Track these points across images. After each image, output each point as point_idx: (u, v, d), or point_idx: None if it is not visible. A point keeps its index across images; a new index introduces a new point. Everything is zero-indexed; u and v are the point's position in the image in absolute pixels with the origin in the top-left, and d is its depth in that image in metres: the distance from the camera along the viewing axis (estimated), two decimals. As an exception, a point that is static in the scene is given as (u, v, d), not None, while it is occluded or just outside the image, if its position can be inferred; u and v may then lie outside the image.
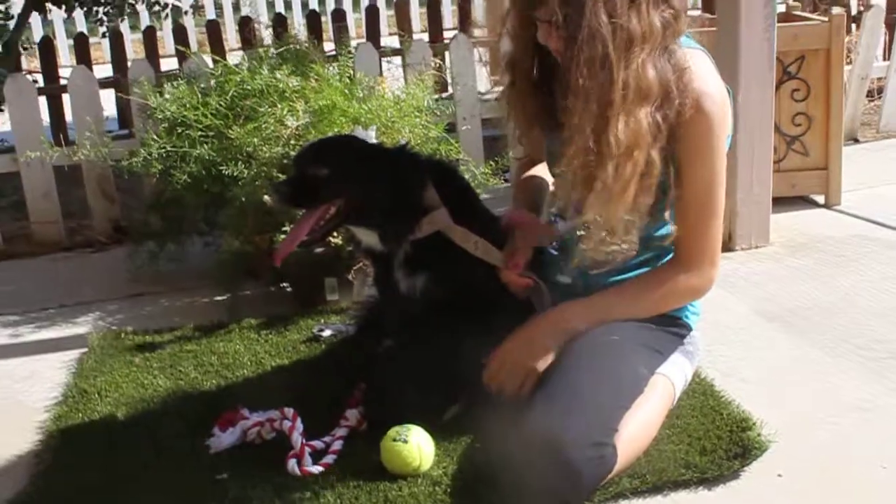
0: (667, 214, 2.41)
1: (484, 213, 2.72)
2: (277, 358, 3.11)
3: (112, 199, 4.65)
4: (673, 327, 2.56)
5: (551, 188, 2.74)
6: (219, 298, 3.70)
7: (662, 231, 2.44)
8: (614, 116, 2.16)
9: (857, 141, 5.40)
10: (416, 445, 2.32)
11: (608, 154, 2.18)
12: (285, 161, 3.41)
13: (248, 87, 3.59)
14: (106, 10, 6.52)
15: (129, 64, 6.77)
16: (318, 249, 3.34)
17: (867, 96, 5.70)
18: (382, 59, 5.11)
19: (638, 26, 2.16)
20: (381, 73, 4.76)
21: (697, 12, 6.62)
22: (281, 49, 3.79)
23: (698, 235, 2.39)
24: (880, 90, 5.89)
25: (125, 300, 3.83)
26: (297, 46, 3.84)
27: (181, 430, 2.66)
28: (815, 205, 4.40)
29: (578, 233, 2.38)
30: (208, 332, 3.36)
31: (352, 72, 3.92)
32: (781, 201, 4.04)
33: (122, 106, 6.67)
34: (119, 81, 6.06)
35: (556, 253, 2.65)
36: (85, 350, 3.31)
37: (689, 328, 2.61)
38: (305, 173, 2.56)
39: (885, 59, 5.96)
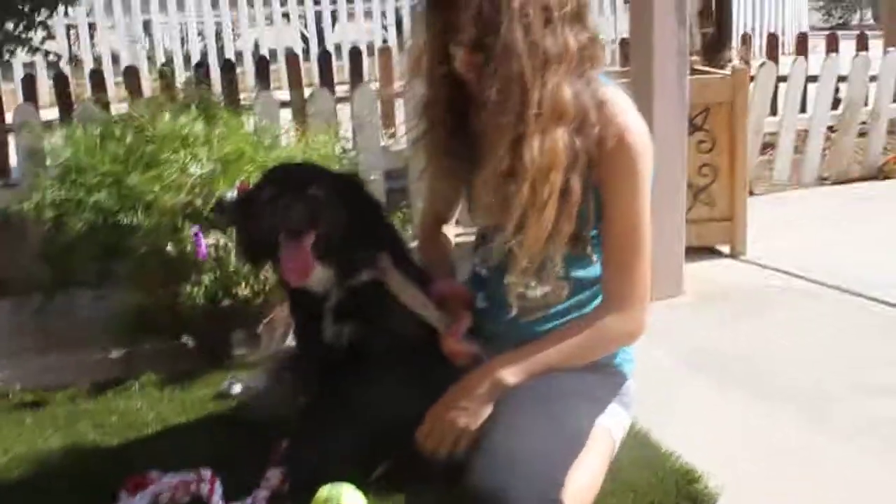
0: (594, 257, 2.35)
1: (414, 265, 2.59)
2: (184, 416, 2.92)
3: (-7, 250, 4.37)
4: (610, 376, 2.47)
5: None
6: (115, 354, 3.49)
7: (590, 273, 2.39)
8: (529, 135, 2.11)
9: (752, 193, 5.49)
10: (349, 508, 2.16)
11: (523, 174, 2.12)
12: (188, 211, 3.24)
13: (149, 133, 3.41)
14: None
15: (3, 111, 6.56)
16: (226, 302, 3.19)
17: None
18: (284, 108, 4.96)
19: (554, 46, 2.12)
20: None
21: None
22: (185, 94, 3.63)
23: (625, 276, 2.33)
24: (772, 145, 6.04)
25: (10, 357, 3.57)
26: (202, 93, 3.68)
27: (81, 498, 2.43)
28: (722, 255, 4.44)
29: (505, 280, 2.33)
30: (105, 390, 3.14)
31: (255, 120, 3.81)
32: (690, 251, 4.04)
33: (-1, 154, 6.40)
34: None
35: (484, 305, 2.55)
36: (-32, 410, 3.04)
37: (624, 377, 2.53)
38: (305, 196, 2.34)
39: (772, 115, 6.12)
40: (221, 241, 3.13)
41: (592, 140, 2.18)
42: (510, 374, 2.30)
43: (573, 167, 2.16)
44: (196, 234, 3.09)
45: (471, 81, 2.23)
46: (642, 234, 2.33)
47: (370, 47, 10.94)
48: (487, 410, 2.27)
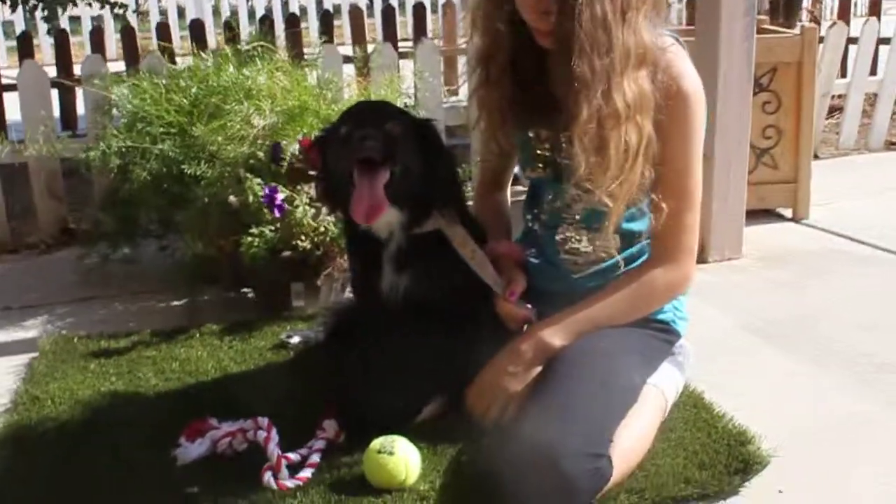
0: (645, 208, 2.35)
1: (474, 221, 2.58)
2: (243, 365, 2.96)
3: (60, 199, 4.46)
4: (662, 333, 2.48)
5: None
6: (176, 303, 3.54)
7: (641, 226, 2.39)
8: (617, 79, 2.13)
9: (817, 157, 5.39)
10: (402, 458, 2.19)
11: (616, 119, 2.14)
12: (251, 161, 3.28)
13: (214, 84, 3.45)
14: (49, 4, 6.26)
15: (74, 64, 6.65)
16: (286, 254, 3.22)
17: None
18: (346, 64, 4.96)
19: None
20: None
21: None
22: (250, 45, 3.64)
23: (675, 226, 2.31)
24: (839, 108, 5.93)
25: (75, 304, 3.64)
26: (266, 45, 3.69)
27: (144, 441, 2.48)
28: (783, 218, 4.39)
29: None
30: (167, 338, 3.18)
31: (318, 73, 3.82)
32: (750, 214, 3.98)
33: (66, 106, 6.50)
34: (63, 80, 5.89)
35: (537, 261, 2.55)
36: (35, 355, 3.11)
37: (677, 335, 2.53)
38: (382, 130, 2.33)
39: (842, 77, 5.99)
40: (288, 196, 3.15)
41: (658, 86, 2.20)
42: (557, 337, 2.32)
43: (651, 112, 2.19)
44: (272, 191, 3.10)
45: (540, 28, 2.24)
46: (692, 183, 2.32)
47: (434, 3, 10.91)
48: (534, 373, 2.29)
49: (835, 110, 6.03)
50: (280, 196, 3.12)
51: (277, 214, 3.11)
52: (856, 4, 9.59)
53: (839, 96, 5.82)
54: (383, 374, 2.41)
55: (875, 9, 7.24)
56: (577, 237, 2.43)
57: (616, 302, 2.36)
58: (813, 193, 4.39)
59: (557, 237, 2.46)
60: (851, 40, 5.81)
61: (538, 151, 2.45)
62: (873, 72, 5.89)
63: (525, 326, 2.41)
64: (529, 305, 2.41)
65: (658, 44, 2.22)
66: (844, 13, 7.14)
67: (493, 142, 2.56)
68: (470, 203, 2.70)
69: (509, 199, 2.76)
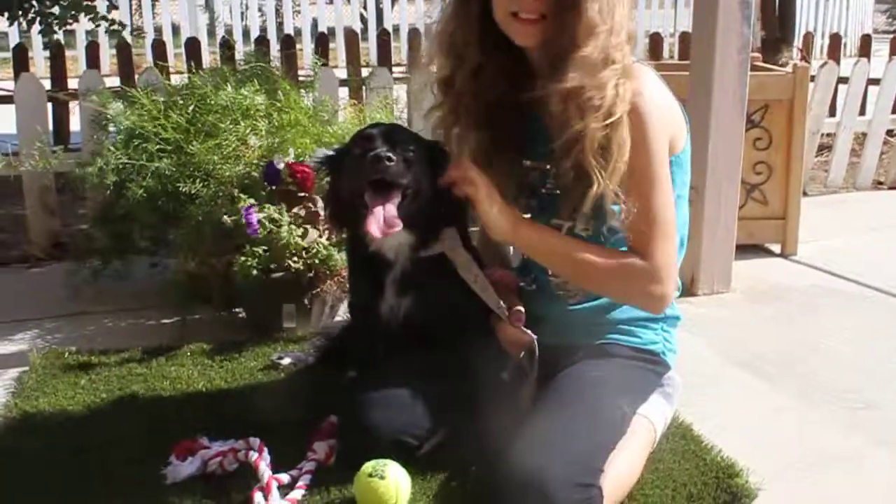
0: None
1: (474, 247, 2.60)
2: (234, 385, 2.96)
3: (53, 213, 4.46)
4: (651, 365, 2.49)
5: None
6: (167, 321, 3.54)
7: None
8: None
9: (806, 194, 5.44)
10: (393, 482, 2.19)
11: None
12: (245, 181, 3.30)
13: (211, 103, 3.46)
14: (46, 18, 6.27)
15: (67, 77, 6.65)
16: (277, 274, 3.23)
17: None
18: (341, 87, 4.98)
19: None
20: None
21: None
22: (247, 66, 3.67)
23: (647, 251, 2.27)
24: (827, 147, 5.99)
25: (65, 319, 3.64)
26: (264, 66, 3.72)
27: (133, 458, 2.47)
28: (772, 254, 4.43)
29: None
30: (158, 355, 3.18)
31: (314, 94, 3.84)
32: (739, 249, 4.02)
33: (59, 120, 6.50)
34: (56, 94, 5.90)
35: (531, 288, 2.57)
36: (25, 369, 3.11)
37: (667, 366, 2.54)
38: (398, 153, 2.33)
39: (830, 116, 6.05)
40: (275, 214, 3.16)
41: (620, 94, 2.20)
42: (515, 224, 2.33)
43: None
44: (247, 210, 3.13)
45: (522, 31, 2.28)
46: (662, 217, 2.27)
47: (429, 30, 10.95)
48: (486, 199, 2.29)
49: (824, 148, 6.09)
50: (255, 216, 3.13)
51: (250, 232, 3.12)
52: (845, 45, 9.69)
53: (828, 135, 5.88)
54: (386, 401, 2.39)
55: (865, 49, 7.33)
56: None
57: (587, 258, 2.31)
58: (801, 230, 4.43)
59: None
60: (841, 80, 5.88)
61: (523, 189, 2.49)
62: (862, 111, 5.96)
63: (522, 353, 2.41)
64: (531, 332, 2.41)
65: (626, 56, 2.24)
66: (834, 53, 7.22)
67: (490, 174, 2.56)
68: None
69: None
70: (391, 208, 2.30)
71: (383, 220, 2.29)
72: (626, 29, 2.25)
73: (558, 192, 2.35)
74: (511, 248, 2.74)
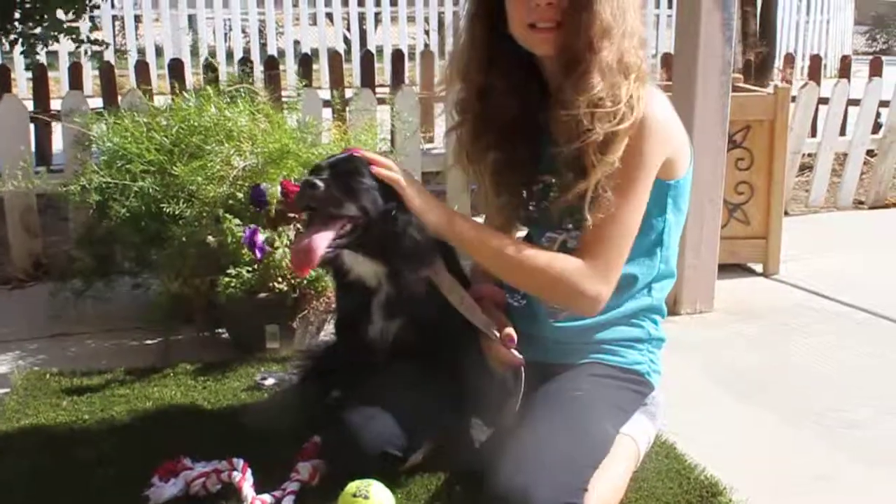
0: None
1: (461, 269, 2.60)
2: (217, 406, 2.95)
3: (35, 234, 4.44)
4: (635, 385, 2.50)
5: None
6: (150, 342, 3.53)
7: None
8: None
9: (787, 214, 5.48)
10: (377, 502, 2.19)
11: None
12: (230, 202, 3.29)
13: (195, 124, 3.47)
14: (28, 39, 6.25)
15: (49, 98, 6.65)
16: (262, 294, 3.23)
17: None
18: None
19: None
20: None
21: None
22: (231, 87, 3.67)
23: (599, 246, 2.29)
24: (808, 167, 6.04)
25: (48, 340, 3.62)
26: (248, 87, 3.72)
27: (116, 479, 2.46)
28: (754, 273, 4.45)
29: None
30: (141, 377, 3.17)
31: (298, 116, 3.85)
32: (721, 268, 4.03)
33: (41, 141, 6.49)
34: (39, 115, 5.90)
35: (519, 305, 2.58)
36: (6, 391, 3.09)
37: (650, 386, 2.55)
38: (343, 180, 2.33)
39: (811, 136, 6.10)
40: (269, 237, 3.16)
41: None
42: (450, 217, 2.34)
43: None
44: (252, 232, 3.12)
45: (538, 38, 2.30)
46: (626, 221, 2.29)
47: (411, 52, 11.00)
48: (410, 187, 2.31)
49: (805, 168, 6.14)
50: (261, 237, 3.14)
51: (259, 256, 3.13)
52: (825, 66, 9.77)
53: (809, 155, 5.93)
54: (370, 418, 2.37)
55: (845, 70, 7.39)
56: None
57: (524, 252, 2.34)
58: (783, 249, 4.46)
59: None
60: (822, 100, 5.93)
61: (527, 207, 2.51)
62: (842, 132, 6.01)
63: (508, 373, 2.42)
64: (519, 354, 2.41)
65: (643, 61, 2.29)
66: (815, 74, 7.28)
67: (493, 200, 2.56)
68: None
69: None
70: (319, 238, 2.27)
71: (301, 253, 2.27)
72: (638, 33, 2.29)
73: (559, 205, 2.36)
74: None
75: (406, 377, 2.43)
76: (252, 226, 3.15)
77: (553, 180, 2.40)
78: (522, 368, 2.38)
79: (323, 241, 2.27)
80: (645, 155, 2.28)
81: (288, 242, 3.16)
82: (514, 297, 2.59)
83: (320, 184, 2.28)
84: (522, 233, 2.65)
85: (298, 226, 3.25)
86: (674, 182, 2.40)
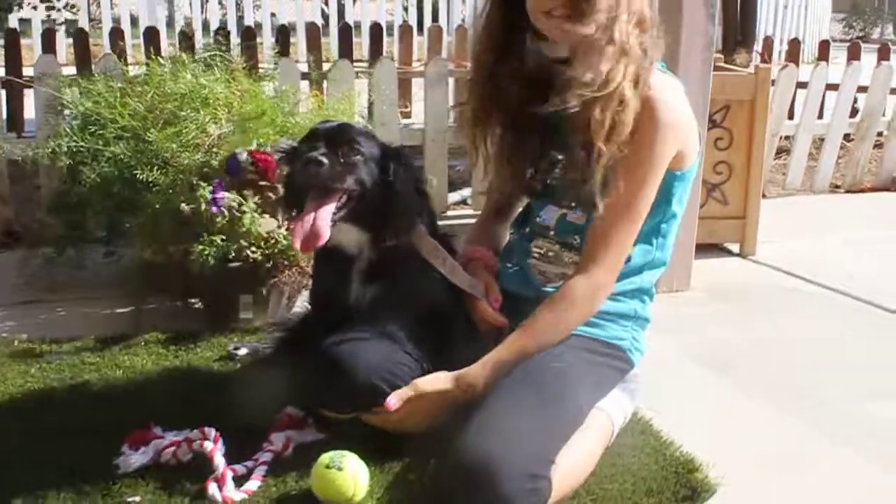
0: None
1: (442, 235, 2.59)
2: (189, 375, 2.92)
3: (5, 200, 4.37)
4: (616, 361, 2.49)
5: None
6: (121, 310, 3.47)
7: None
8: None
9: (764, 196, 5.47)
10: (351, 473, 2.17)
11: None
12: (205, 169, 3.24)
13: (170, 91, 3.41)
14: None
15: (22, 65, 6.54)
16: (235, 264, 3.18)
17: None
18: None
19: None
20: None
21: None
22: (207, 53, 3.61)
23: (605, 235, 2.33)
24: (785, 150, 6.04)
25: (17, 307, 3.57)
26: (223, 55, 3.66)
27: (84, 448, 2.42)
28: (731, 253, 4.45)
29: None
30: (111, 345, 3.13)
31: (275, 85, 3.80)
32: (698, 248, 4.02)
33: (13, 108, 6.39)
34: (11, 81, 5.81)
35: (511, 270, 2.58)
36: (-27, 357, 3.04)
37: (631, 364, 2.54)
38: (343, 153, 2.34)
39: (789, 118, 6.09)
40: (235, 202, 3.11)
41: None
42: (482, 380, 2.29)
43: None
44: (217, 185, 3.07)
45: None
46: (638, 201, 2.33)
47: (389, 27, 10.92)
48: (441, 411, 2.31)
49: (781, 152, 6.14)
50: (222, 193, 3.08)
51: (215, 210, 3.07)
52: (802, 51, 9.77)
53: (786, 138, 5.93)
54: (364, 347, 2.34)
55: (823, 53, 7.40)
56: (550, 248, 2.49)
57: (540, 325, 2.35)
58: (760, 231, 4.45)
59: (532, 247, 2.52)
60: (799, 84, 5.93)
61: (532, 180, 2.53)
62: (819, 116, 6.01)
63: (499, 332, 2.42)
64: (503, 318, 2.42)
65: (646, 56, 2.29)
66: (793, 57, 7.28)
67: (498, 176, 2.58)
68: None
69: (507, 231, 2.78)
70: (322, 215, 2.29)
71: (308, 231, 2.28)
72: (641, 15, 2.30)
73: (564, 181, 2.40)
74: (505, 237, 2.75)
75: (386, 328, 2.40)
76: (217, 178, 3.10)
77: (560, 157, 2.42)
78: (505, 331, 2.37)
79: (327, 216, 2.29)
80: (657, 146, 2.30)
81: (255, 207, 3.11)
82: (508, 263, 2.59)
83: (325, 160, 2.28)
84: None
85: (270, 194, 3.20)
86: (680, 173, 2.42)
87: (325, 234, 2.29)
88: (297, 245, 2.30)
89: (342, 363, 2.28)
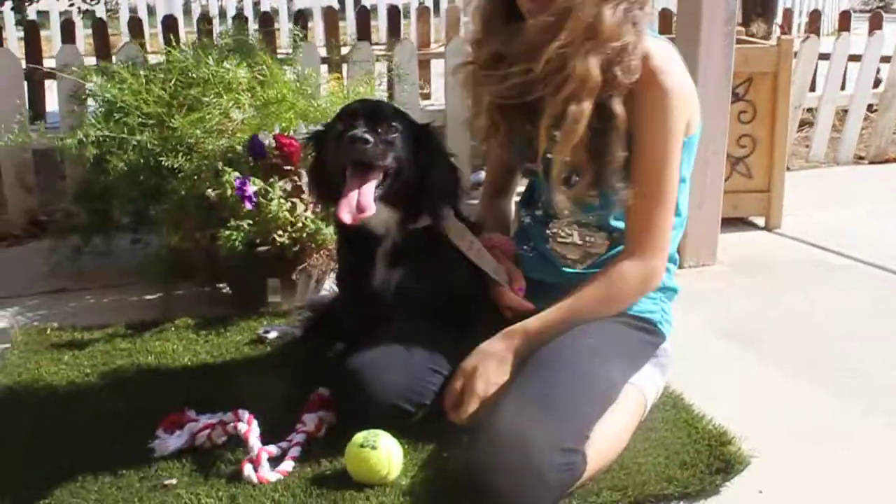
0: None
1: (468, 218, 2.59)
2: (220, 359, 2.93)
3: (30, 190, 4.40)
4: (648, 334, 2.49)
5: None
6: (149, 297, 3.50)
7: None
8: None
9: (788, 169, 5.43)
10: (385, 452, 2.18)
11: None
12: (229, 154, 3.25)
13: (193, 76, 3.42)
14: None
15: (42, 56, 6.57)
16: (263, 248, 3.19)
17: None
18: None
19: None
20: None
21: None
22: (228, 38, 3.62)
23: (645, 219, 2.35)
24: (808, 122, 6.00)
25: (47, 296, 3.59)
26: (243, 39, 3.67)
27: (119, 432, 2.45)
28: (756, 227, 4.43)
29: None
30: (142, 331, 3.15)
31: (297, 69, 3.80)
32: (723, 222, 4.00)
33: (35, 99, 6.42)
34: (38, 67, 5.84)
35: (530, 254, 2.57)
36: (7, 345, 3.07)
37: (662, 336, 2.54)
38: (382, 132, 2.35)
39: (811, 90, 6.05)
40: (262, 188, 3.12)
41: (623, 68, 2.23)
42: (530, 344, 2.31)
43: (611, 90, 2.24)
44: (242, 183, 3.08)
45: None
46: (667, 178, 2.34)
47: (405, 10, 10.89)
48: (505, 376, 2.29)
49: (804, 124, 6.09)
50: (251, 188, 3.09)
51: (248, 206, 3.08)
52: (823, 22, 9.68)
53: (808, 110, 5.89)
54: (384, 367, 2.35)
55: (844, 24, 7.33)
56: (568, 231, 2.47)
57: (588, 299, 2.37)
58: (785, 203, 4.43)
59: (549, 231, 2.50)
60: (821, 56, 5.88)
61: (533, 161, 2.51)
62: (842, 87, 5.95)
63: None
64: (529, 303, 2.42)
65: (637, 33, 2.26)
66: (814, 28, 7.22)
67: (495, 154, 2.62)
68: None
69: (512, 207, 2.79)
70: (367, 191, 2.30)
71: (355, 205, 2.29)
72: None
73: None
74: (512, 214, 2.74)
75: (413, 328, 2.40)
76: (236, 175, 3.10)
77: (555, 133, 2.37)
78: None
79: (370, 193, 2.30)
80: (669, 130, 2.31)
81: (282, 194, 3.12)
82: (525, 249, 2.58)
83: (371, 138, 2.29)
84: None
85: (295, 178, 3.21)
86: (687, 139, 2.40)
87: (372, 207, 2.29)
88: (346, 219, 2.28)
89: (364, 382, 2.30)
